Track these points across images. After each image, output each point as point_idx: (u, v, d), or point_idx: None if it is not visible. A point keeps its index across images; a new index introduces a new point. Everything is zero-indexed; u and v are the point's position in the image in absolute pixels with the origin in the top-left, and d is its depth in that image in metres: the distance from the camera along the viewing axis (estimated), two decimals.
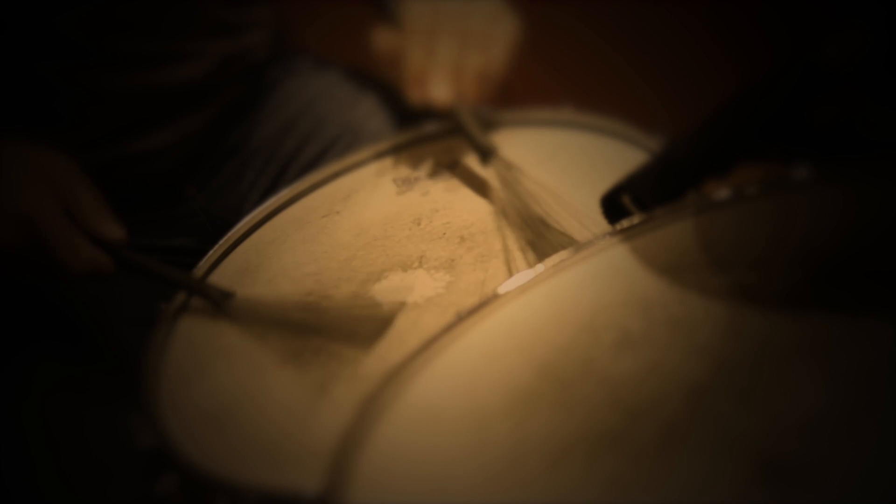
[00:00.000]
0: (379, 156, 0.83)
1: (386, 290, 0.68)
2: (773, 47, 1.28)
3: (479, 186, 0.77)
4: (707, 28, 1.44)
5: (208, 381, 0.64)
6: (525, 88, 0.93)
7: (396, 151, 0.83)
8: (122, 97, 0.84)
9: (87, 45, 0.81)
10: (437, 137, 0.83)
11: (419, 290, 0.67)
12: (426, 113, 0.79)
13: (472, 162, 0.79)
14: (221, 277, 0.73)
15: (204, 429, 0.60)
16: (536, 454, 0.48)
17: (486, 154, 0.76)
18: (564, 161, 0.77)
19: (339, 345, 0.63)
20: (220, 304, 0.68)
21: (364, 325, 0.64)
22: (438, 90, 0.77)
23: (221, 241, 0.76)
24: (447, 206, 0.75)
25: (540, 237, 0.68)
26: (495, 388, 0.52)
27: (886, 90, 0.52)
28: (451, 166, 0.80)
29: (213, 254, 0.75)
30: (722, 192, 0.58)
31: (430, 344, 0.55)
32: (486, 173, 0.77)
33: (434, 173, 0.80)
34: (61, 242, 0.69)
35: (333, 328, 0.65)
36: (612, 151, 0.76)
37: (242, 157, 0.93)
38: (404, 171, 0.80)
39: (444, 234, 0.72)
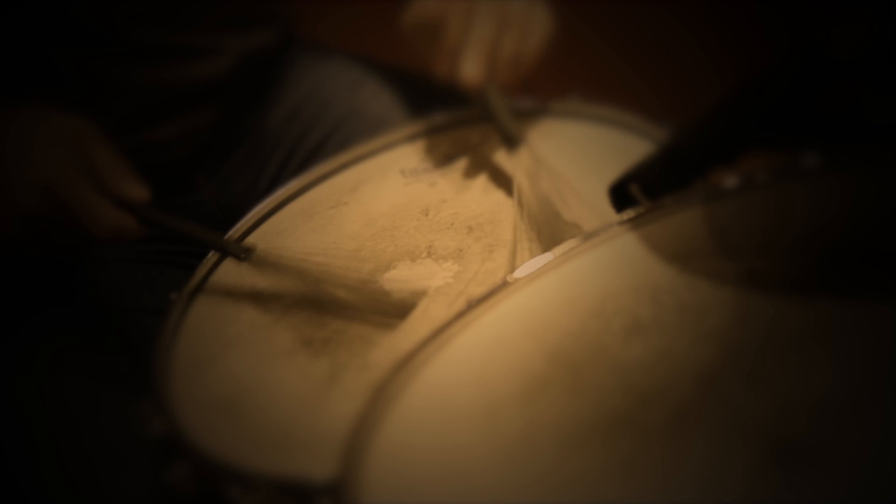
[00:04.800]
0: (386, 147, 0.83)
1: (394, 279, 0.68)
2: (771, 42, 1.29)
3: (493, 176, 0.77)
4: (704, 24, 1.45)
5: (219, 368, 0.64)
6: (529, 83, 0.93)
7: (404, 142, 0.83)
8: (139, 91, 0.84)
9: (104, 35, 0.81)
10: (445, 128, 0.84)
11: (427, 280, 0.67)
12: (451, 90, 0.77)
13: (483, 152, 0.80)
14: (231, 268, 0.73)
15: (215, 416, 0.60)
16: (549, 439, 0.48)
17: (513, 142, 0.76)
18: (572, 151, 0.77)
19: (361, 318, 0.64)
20: (243, 258, 0.69)
21: (387, 301, 0.65)
22: (470, 67, 0.74)
23: (230, 232, 0.76)
24: (455, 196, 0.76)
25: (552, 229, 0.68)
26: (507, 375, 0.53)
27: (890, 80, 0.52)
28: (460, 156, 0.80)
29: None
30: (729, 181, 0.58)
31: (441, 331, 0.55)
32: (508, 162, 0.76)
33: (442, 164, 0.80)
34: (84, 206, 0.68)
35: (356, 300, 0.65)
36: (619, 141, 0.77)
37: (250, 144, 0.94)
38: (412, 161, 0.81)
39: (452, 224, 0.72)
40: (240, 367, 0.64)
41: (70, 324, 0.79)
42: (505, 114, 0.77)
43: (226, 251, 0.70)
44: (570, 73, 1.48)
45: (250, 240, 0.76)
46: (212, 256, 0.73)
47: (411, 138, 0.83)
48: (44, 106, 0.72)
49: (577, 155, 0.77)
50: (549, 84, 0.85)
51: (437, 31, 0.77)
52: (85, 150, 0.70)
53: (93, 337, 0.78)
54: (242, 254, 0.69)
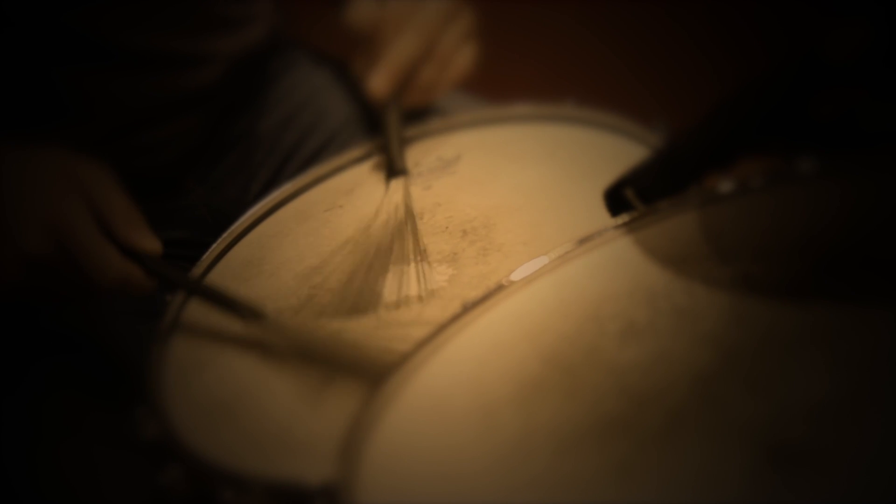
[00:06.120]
0: (382, 150, 0.83)
1: (389, 283, 0.68)
2: (768, 47, 1.29)
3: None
4: (701, 28, 1.45)
5: (213, 371, 0.64)
6: (526, 86, 0.93)
7: (399, 146, 0.83)
8: (132, 99, 0.84)
9: (98, 44, 0.80)
10: (438, 132, 0.84)
11: (422, 284, 0.67)
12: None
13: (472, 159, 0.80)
14: (225, 269, 0.73)
15: (209, 419, 0.60)
16: (545, 441, 0.48)
17: (395, 172, 0.77)
18: (567, 155, 0.77)
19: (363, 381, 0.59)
20: (249, 321, 0.65)
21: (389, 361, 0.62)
22: (378, 81, 0.79)
23: (225, 235, 0.76)
24: (449, 200, 0.76)
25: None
26: (503, 377, 0.53)
27: (887, 85, 0.52)
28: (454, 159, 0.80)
29: (216, 247, 0.75)
30: (724, 185, 0.58)
31: (437, 334, 0.55)
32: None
33: (436, 168, 0.80)
34: (88, 250, 0.66)
35: (358, 365, 0.61)
36: (614, 146, 0.76)
37: (243, 149, 0.93)
38: (407, 165, 0.81)
39: (447, 227, 0.72)
40: (234, 368, 0.64)
41: (62, 335, 0.78)
42: (396, 140, 0.79)
43: (235, 311, 0.65)
44: (565, 77, 1.49)
45: (247, 241, 0.76)
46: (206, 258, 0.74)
47: (407, 142, 0.83)
48: (60, 149, 0.70)
49: (572, 159, 0.77)
50: (545, 88, 0.86)
51: (370, 36, 0.81)
52: (97, 195, 0.68)
53: (86, 353, 0.78)
54: (250, 317, 0.65)
